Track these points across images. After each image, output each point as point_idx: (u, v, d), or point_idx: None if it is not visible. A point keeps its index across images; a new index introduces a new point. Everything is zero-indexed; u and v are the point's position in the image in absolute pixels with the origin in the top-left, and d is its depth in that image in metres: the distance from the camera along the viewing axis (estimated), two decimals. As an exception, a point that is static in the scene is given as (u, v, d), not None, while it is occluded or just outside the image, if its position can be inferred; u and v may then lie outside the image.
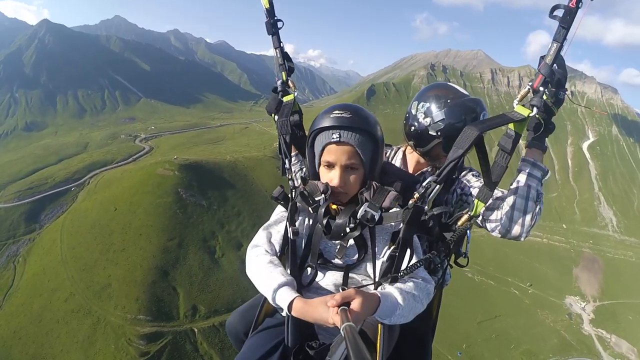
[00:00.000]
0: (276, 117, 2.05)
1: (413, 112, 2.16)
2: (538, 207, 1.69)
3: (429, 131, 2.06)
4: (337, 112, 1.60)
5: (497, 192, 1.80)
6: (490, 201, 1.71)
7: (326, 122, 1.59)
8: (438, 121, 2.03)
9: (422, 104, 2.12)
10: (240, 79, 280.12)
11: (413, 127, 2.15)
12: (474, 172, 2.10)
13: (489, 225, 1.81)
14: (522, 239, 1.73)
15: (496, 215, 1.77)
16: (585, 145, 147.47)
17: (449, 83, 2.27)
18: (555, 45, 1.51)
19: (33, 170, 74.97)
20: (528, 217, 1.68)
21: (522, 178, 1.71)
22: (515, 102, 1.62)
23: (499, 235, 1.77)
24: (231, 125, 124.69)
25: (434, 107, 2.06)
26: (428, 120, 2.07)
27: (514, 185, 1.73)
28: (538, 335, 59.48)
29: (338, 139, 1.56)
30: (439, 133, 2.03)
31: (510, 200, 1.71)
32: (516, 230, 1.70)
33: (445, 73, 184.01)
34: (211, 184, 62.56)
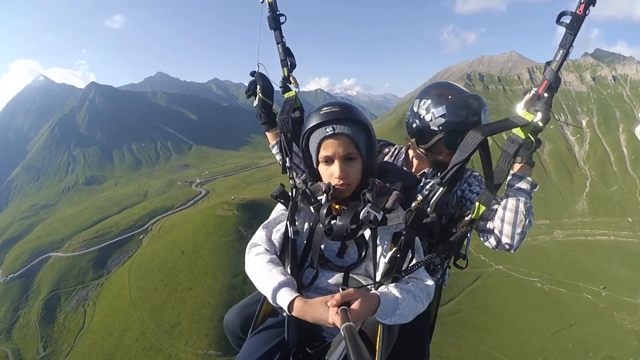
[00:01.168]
0: (255, 102, 2.15)
1: (415, 109, 2.20)
2: (527, 219, 1.71)
3: (430, 127, 2.10)
4: (325, 108, 1.62)
5: (492, 201, 1.82)
6: (484, 211, 1.76)
7: (317, 120, 1.61)
8: (439, 116, 2.07)
9: (423, 100, 2.16)
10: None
11: (415, 124, 2.19)
12: (475, 174, 2.11)
13: (482, 236, 1.86)
14: (513, 251, 1.78)
15: (489, 226, 1.81)
16: (638, 130, 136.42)
17: (450, 82, 2.29)
18: (562, 51, 1.52)
19: (97, 220, 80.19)
20: (518, 230, 1.72)
21: (511, 192, 1.73)
22: (520, 107, 1.64)
23: (491, 246, 1.83)
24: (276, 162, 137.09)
25: (435, 103, 2.10)
26: (429, 116, 2.11)
27: (504, 199, 1.76)
28: (616, 340, 55.60)
29: (332, 131, 1.57)
30: (440, 128, 2.07)
31: (500, 213, 1.75)
32: (506, 242, 1.75)
33: (482, 81, 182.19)
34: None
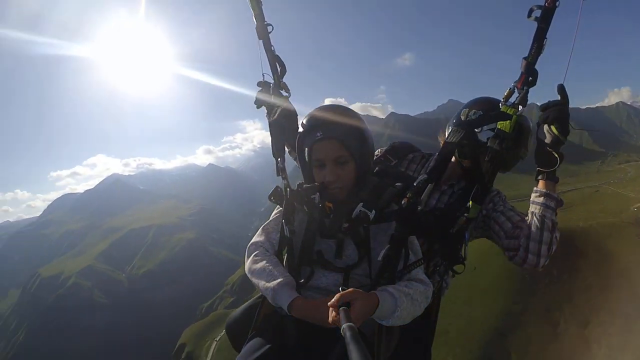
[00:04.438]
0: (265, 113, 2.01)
1: (462, 118, 2.09)
2: (554, 236, 1.72)
3: (477, 137, 1.98)
4: (317, 112, 1.63)
5: (517, 218, 1.90)
6: (509, 229, 1.87)
7: (307, 124, 1.63)
8: (489, 129, 1.93)
9: (473, 111, 2.05)
10: (581, 138, 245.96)
11: (453, 126, 2.10)
12: (500, 194, 2.07)
13: (507, 254, 1.87)
14: (540, 268, 1.79)
15: (514, 244, 1.82)
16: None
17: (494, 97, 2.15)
18: (536, 44, 1.58)
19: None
20: (544, 247, 1.72)
21: (536, 209, 1.74)
22: (501, 102, 1.74)
23: (517, 264, 1.84)
24: (579, 189, 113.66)
25: (477, 110, 2.02)
26: (479, 128, 2.00)
27: (529, 216, 1.77)
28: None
29: (321, 136, 1.56)
30: (487, 140, 1.88)
31: (525, 231, 1.77)
32: (532, 260, 1.75)
33: None
34: (562, 251, 49.62)
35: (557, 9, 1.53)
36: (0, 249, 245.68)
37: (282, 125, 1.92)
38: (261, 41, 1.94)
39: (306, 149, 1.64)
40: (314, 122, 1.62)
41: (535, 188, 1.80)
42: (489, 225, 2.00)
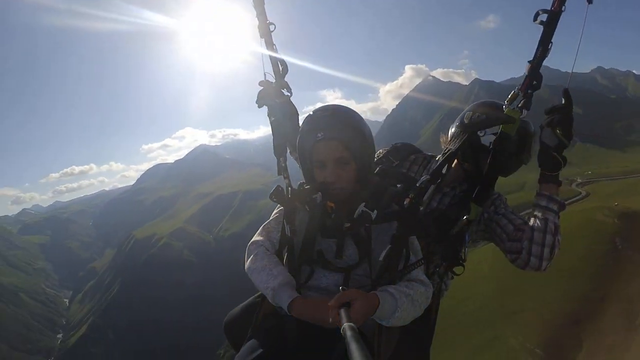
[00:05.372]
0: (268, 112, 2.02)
1: (466, 122, 2.09)
2: (556, 239, 1.73)
3: (481, 141, 2.01)
4: (317, 113, 1.64)
5: (518, 221, 1.89)
6: (511, 231, 1.86)
7: (308, 125, 1.63)
8: (491, 133, 1.96)
9: (477, 114, 2.04)
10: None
11: (457, 130, 2.11)
12: (501, 197, 2.08)
13: (509, 256, 1.89)
14: (542, 270, 1.79)
15: (516, 247, 1.83)
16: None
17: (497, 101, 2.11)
18: (541, 48, 1.58)
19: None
20: (547, 250, 1.73)
21: (539, 212, 1.75)
22: (505, 105, 1.72)
23: (519, 267, 1.84)
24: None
25: (481, 114, 2.01)
26: (482, 131, 2.01)
27: (532, 219, 1.78)
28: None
29: (322, 136, 1.57)
30: (490, 144, 1.94)
31: (528, 233, 1.77)
32: (535, 263, 1.77)
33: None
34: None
35: (562, 13, 1.54)
36: (98, 215, 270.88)
37: (283, 124, 1.93)
38: (263, 39, 1.94)
39: (307, 149, 1.64)
40: (314, 123, 1.61)
41: (538, 191, 1.78)
42: (491, 228, 2.01)
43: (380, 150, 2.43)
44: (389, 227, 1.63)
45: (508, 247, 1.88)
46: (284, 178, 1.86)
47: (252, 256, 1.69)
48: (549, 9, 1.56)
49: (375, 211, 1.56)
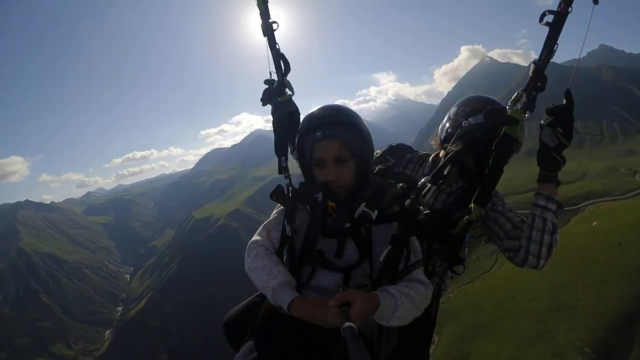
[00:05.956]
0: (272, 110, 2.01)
1: (452, 116, 2.13)
2: (554, 238, 1.74)
3: (484, 144, 1.95)
4: (316, 112, 1.64)
5: (516, 219, 1.90)
6: (509, 229, 1.87)
7: (308, 124, 1.63)
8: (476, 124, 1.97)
9: (461, 108, 2.09)
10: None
11: (450, 131, 2.12)
12: (498, 194, 2.07)
13: (507, 254, 1.89)
14: (539, 269, 1.80)
15: (514, 245, 1.84)
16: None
17: (487, 95, 2.19)
18: (546, 50, 1.56)
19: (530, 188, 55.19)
20: (544, 249, 1.74)
21: (537, 211, 1.74)
22: (509, 105, 1.71)
23: (517, 265, 1.85)
24: None
25: (473, 112, 2.03)
26: (466, 123, 2.03)
27: (530, 218, 1.77)
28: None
29: (322, 135, 1.57)
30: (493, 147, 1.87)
31: (526, 232, 1.77)
32: (532, 261, 1.77)
33: None
34: None
35: (569, 14, 1.51)
36: (158, 197, 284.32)
37: (284, 123, 1.91)
38: (266, 38, 1.94)
39: (306, 148, 1.64)
40: (313, 122, 1.61)
41: (537, 190, 1.78)
42: (488, 225, 2.01)
43: (378, 151, 2.45)
44: (389, 227, 1.61)
45: (506, 245, 1.87)
46: (285, 177, 1.85)
47: (252, 255, 1.67)
48: (555, 10, 1.52)
49: (376, 211, 1.56)
